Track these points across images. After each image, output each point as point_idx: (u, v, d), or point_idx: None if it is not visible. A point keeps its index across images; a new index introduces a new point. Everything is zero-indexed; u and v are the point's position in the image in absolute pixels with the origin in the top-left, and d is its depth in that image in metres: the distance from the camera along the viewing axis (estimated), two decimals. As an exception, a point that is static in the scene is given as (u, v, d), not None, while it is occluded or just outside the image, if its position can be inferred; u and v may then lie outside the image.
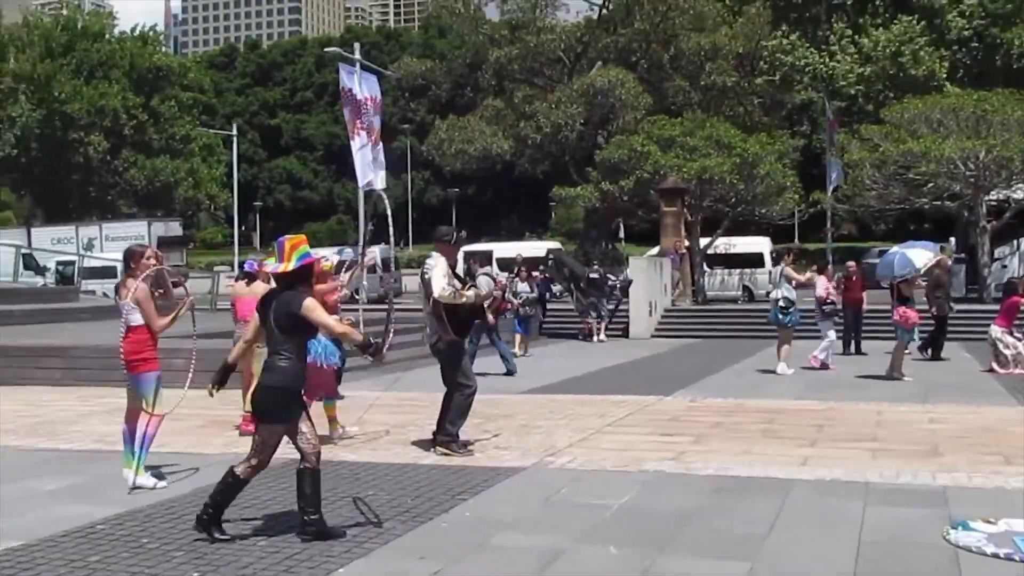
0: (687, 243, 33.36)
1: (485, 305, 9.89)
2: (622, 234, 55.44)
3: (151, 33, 65.74)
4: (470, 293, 9.44)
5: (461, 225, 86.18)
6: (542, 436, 10.67)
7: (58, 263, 43.21)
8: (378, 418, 11.42)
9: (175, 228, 52.41)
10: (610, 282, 27.94)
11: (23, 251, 38.76)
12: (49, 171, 60.90)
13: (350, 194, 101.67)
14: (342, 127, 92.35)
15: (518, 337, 22.47)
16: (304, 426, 6.55)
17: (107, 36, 62.53)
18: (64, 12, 64.20)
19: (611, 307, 27.75)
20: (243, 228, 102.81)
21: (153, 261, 8.34)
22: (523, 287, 23.57)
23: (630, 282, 27.87)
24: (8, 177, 64.18)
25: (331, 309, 10.15)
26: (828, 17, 52.42)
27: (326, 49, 64.44)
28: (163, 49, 65.76)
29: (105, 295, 32.88)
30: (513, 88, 53.25)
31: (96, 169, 60.62)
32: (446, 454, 9.39)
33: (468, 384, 9.59)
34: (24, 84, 58.72)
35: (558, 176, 47.66)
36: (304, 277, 6.67)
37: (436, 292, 9.27)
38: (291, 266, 6.56)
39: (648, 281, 28.31)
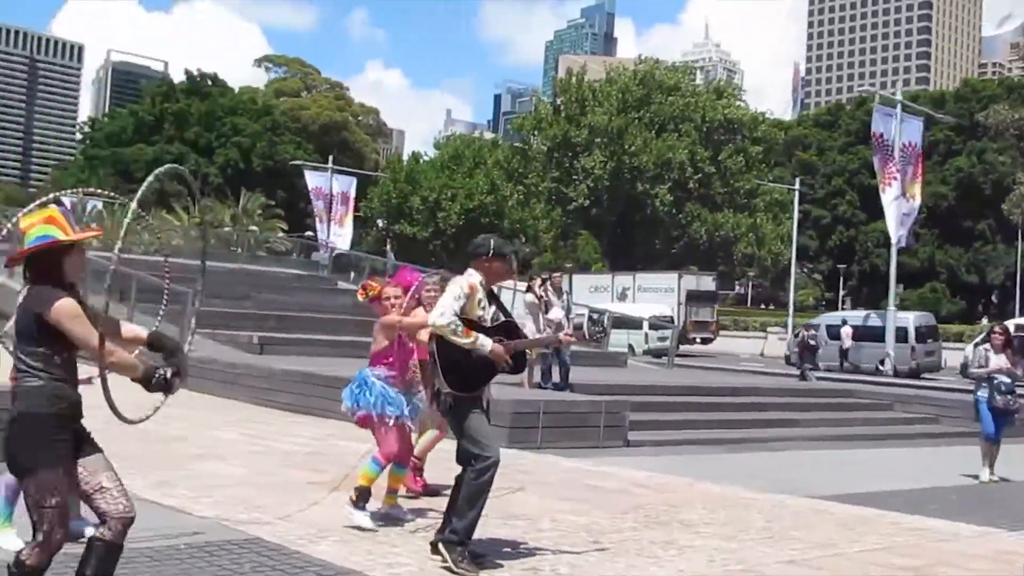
0: None
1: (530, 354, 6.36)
2: None
3: (725, 85, 64.89)
4: (483, 340, 6.20)
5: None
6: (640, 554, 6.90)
7: (591, 312, 42.91)
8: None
9: (707, 283, 50.57)
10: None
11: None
12: (617, 222, 62.10)
13: (952, 260, 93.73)
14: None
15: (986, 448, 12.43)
16: (106, 477, 4.46)
17: (682, 90, 62.53)
18: (643, 67, 65.24)
19: None
20: (844, 291, 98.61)
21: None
22: (995, 361, 12.16)
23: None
24: (582, 227, 66.41)
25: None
26: None
27: (858, 89, 59.72)
28: (737, 103, 64.45)
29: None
30: None
31: (661, 222, 60.73)
32: (446, 567, 6.22)
33: (484, 455, 6.24)
34: (599, 137, 60.34)
35: None
36: (45, 269, 4.45)
37: (431, 317, 6.26)
38: (25, 247, 4.50)
39: None
